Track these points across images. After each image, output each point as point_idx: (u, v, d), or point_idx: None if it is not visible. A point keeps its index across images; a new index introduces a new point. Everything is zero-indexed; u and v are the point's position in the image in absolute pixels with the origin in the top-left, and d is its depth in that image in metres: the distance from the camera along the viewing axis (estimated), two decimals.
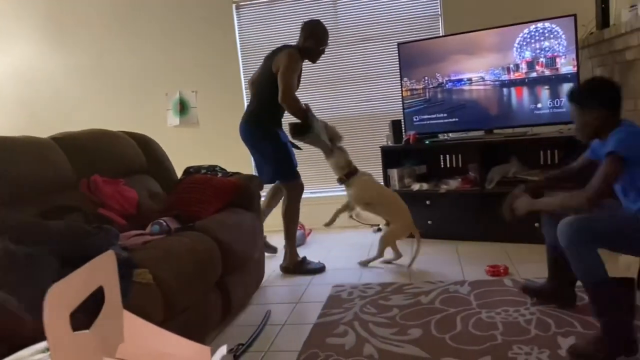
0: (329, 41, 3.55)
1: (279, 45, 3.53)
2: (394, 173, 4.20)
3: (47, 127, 3.55)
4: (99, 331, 0.61)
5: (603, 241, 2.10)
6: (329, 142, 3.43)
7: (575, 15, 3.61)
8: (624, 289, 2.12)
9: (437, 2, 4.51)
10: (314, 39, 3.45)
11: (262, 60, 3.53)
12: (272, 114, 3.50)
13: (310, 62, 3.59)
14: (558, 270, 2.48)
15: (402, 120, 4.32)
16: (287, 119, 3.50)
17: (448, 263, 3.44)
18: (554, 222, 2.35)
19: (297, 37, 3.55)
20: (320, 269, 3.53)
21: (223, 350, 0.72)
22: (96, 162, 2.84)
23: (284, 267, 3.59)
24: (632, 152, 2.09)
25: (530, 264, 3.23)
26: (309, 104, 3.41)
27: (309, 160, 4.53)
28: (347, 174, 3.45)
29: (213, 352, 0.76)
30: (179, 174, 3.42)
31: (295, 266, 3.56)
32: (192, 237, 2.48)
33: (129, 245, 2.28)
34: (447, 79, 4.10)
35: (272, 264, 3.67)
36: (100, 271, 0.65)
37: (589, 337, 2.16)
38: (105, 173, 2.79)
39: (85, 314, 0.65)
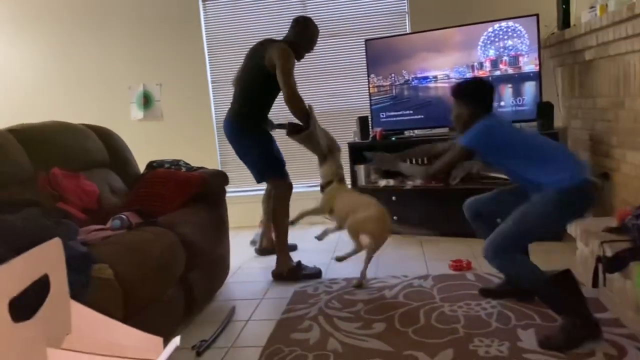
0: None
1: (263, 39, 3.30)
2: (360, 169, 4.23)
3: (4, 118, 3.43)
4: (42, 321, 0.59)
5: (521, 241, 2.34)
6: (326, 149, 3.24)
7: (537, 15, 3.69)
8: (564, 281, 2.23)
9: (404, 0, 4.54)
10: (307, 37, 3.26)
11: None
12: (261, 111, 3.29)
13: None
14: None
15: (369, 117, 4.34)
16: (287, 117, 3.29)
17: (412, 258, 3.47)
18: (485, 227, 2.55)
19: (270, 30, 3.42)
20: (316, 274, 3.27)
21: (176, 341, 0.71)
22: (55, 155, 2.76)
23: (276, 273, 3.31)
24: (482, 144, 2.39)
25: None
26: (312, 106, 3.17)
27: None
28: (327, 182, 3.24)
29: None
30: (143, 168, 3.36)
31: (290, 272, 3.27)
32: (154, 232, 2.43)
33: (88, 240, 2.22)
34: (413, 76, 4.14)
35: (237, 261, 3.64)
36: (46, 258, 0.62)
37: (556, 327, 2.23)
38: (64, 167, 2.71)
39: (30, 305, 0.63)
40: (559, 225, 2.63)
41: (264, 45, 3.19)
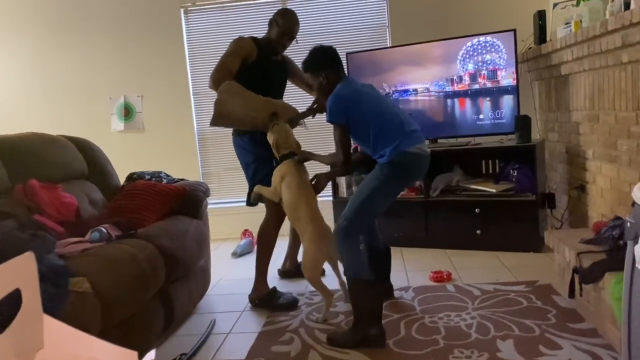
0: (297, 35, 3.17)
1: None
2: (342, 181, 4.24)
3: None
4: (13, 336, 0.58)
5: (360, 218, 2.47)
6: (264, 116, 2.93)
7: (515, 31, 3.76)
8: (374, 291, 2.43)
9: (385, 14, 4.60)
10: (275, 25, 3.11)
11: (211, 66, 3.28)
12: None
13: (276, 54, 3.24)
14: (374, 266, 2.71)
15: None
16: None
17: (393, 269, 3.45)
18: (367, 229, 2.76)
19: None
20: (291, 304, 2.96)
21: (151, 354, 0.70)
22: (32, 166, 2.73)
23: (251, 298, 3.08)
24: (341, 114, 2.51)
25: (472, 270, 3.32)
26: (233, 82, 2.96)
27: None
28: (282, 155, 2.89)
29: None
30: (123, 180, 3.33)
31: (263, 299, 3.01)
32: (133, 244, 2.41)
33: (66, 253, 2.19)
34: (394, 89, 4.18)
35: (218, 273, 3.62)
36: (17, 272, 0.61)
37: (346, 327, 2.53)
38: (42, 178, 2.68)
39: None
40: (388, 198, 2.56)
41: None
